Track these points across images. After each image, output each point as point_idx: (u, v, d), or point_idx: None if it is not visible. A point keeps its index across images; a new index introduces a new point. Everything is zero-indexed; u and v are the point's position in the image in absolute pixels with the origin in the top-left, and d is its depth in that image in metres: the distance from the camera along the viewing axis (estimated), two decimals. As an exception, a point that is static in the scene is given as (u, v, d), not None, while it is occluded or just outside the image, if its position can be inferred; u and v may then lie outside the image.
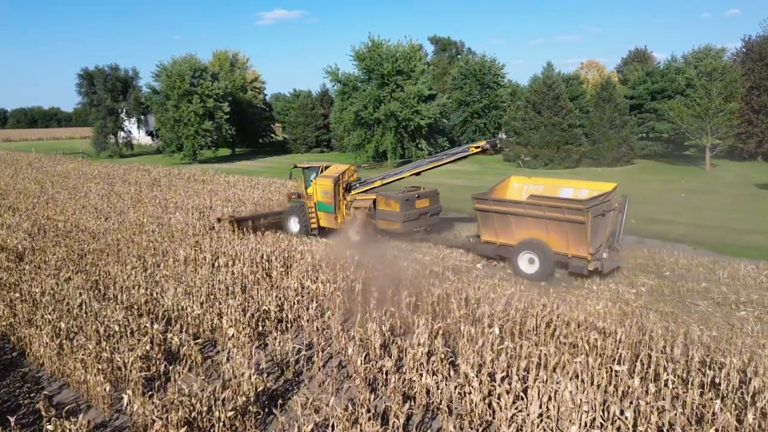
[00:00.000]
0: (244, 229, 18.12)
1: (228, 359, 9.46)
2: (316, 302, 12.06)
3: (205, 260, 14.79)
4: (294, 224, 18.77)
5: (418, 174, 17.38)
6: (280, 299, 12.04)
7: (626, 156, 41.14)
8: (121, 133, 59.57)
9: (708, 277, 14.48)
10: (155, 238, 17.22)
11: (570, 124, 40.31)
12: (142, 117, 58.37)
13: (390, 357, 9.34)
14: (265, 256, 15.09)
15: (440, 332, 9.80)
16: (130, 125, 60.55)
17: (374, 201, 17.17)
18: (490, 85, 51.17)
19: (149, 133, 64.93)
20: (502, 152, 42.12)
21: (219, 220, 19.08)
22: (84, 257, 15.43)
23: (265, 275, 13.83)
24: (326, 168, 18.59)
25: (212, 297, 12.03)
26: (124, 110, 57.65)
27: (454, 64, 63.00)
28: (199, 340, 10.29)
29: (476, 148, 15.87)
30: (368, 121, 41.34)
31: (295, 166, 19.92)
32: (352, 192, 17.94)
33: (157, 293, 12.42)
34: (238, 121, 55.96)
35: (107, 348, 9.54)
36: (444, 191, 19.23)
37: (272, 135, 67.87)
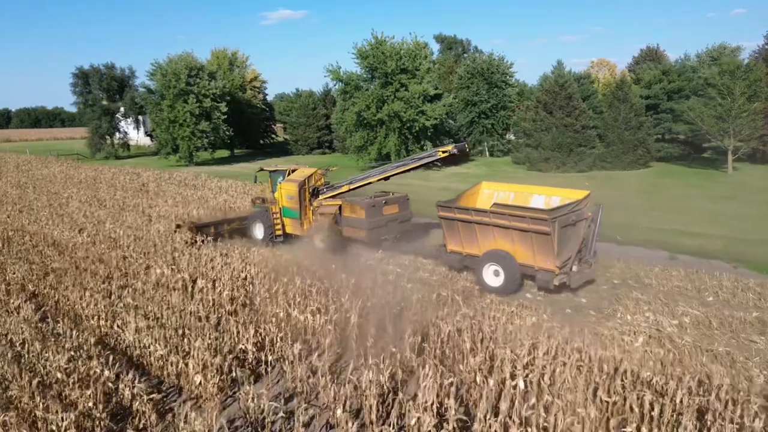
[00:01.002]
0: (205, 238, 16.91)
1: (186, 420, 7.59)
2: (303, 339, 10.21)
3: (181, 283, 12.95)
4: (258, 231, 17.89)
5: (386, 179, 16.47)
6: (260, 334, 10.19)
7: (642, 159, 39.10)
8: (117, 135, 57.85)
9: (759, 304, 12.57)
10: (130, 254, 15.41)
11: (583, 125, 38.31)
12: (139, 117, 56.61)
13: (389, 419, 7.50)
14: (249, 278, 13.26)
15: (452, 388, 7.92)
16: (127, 126, 58.88)
17: (340, 207, 16.50)
18: (498, 85, 49.10)
19: (149, 134, 63.29)
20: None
21: (178, 227, 17.74)
22: (45, 277, 13.63)
23: (247, 301, 12.01)
24: (293, 171, 17.76)
25: (182, 332, 10.20)
26: (121, 110, 55.97)
27: (460, 63, 61.05)
28: (155, 395, 8.41)
29: (443, 152, 14.97)
30: (371, 122, 39.44)
31: (261, 169, 18.98)
32: (320, 197, 17.13)
33: (118, 326, 10.60)
34: (238, 122, 54.21)
35: (40, 404, 7.72)
36: (448, 196, 17.26)
37: (273, 136, 66.09)
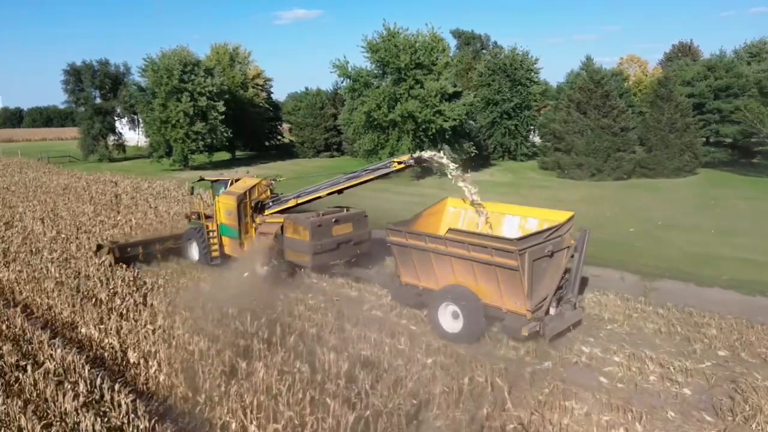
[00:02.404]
0: (131, 263, 14.72)
1: None
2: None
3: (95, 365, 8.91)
4: (194, 251, 15.75)
5: (339, 192, 14.05)
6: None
7: (689, 165, 34.49)
8: (112, 136, 54.20)
9: None
10: (52, 302, 11.42)
11: (623, 127, 33.76)
12: (135, 117, 52.87)
13: None
14: (201, 353, 9.16)
15: None
16: (122, 126, 55.24)
17: (282, 226, 14.08)
18: (522, 82, 44.68)
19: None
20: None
21: (99, 248, 15.38)
22: None
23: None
24: (236, 181, 15.44)
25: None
26: (116, 110, 52.34)
27: (479, 59, 56.66)
28: None
29: (399, 163, 12.70)
30: (382, 122, 35.19)
31: (202, 179, 16.62)
32: (266, 212, 14.71)
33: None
34: (239, 122, 50.30)
35: None
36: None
37: (279, 137, 62.14)
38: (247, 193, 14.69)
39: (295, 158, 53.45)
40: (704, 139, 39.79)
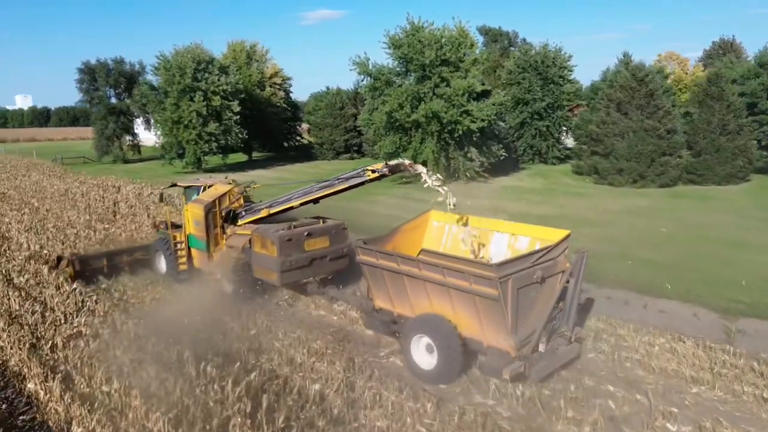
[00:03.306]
0: (94, 277, 13.74)
1: None
2: None
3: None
4: (161, 263, 14.72)
5: (315, 202, 12.80)
6: None
7: (742, 171, 31.31)
8: (126, 136, 52.72)
9: None
10: (2, 343, 9.29)
11: (669, 129, 30.76)
12: (149, 116, 51.28)
13: None
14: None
15: None
16: (137, 126, 53.73)
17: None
18: (555, 81, 41.82)
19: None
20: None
21: (59, 260, 14.34)
22: None
23: None
24: (209, 187, 14.21)
25: None
26: (130, 109, 50.83)
27: (507, 57, 53.86)
28: None
29: (373, 172, 11.45)
30: (404, 123, 32.72)
31: (174, 184, 15.57)
32: (239, 222, 13.51)
33: None
34: (256, 123, 48.37)
35: None
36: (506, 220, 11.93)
37: (298, 138, 60.12)
38: (217, 201, 13.51)
39: (314, 160, 51.33)
40: (755, 142, 36.46)
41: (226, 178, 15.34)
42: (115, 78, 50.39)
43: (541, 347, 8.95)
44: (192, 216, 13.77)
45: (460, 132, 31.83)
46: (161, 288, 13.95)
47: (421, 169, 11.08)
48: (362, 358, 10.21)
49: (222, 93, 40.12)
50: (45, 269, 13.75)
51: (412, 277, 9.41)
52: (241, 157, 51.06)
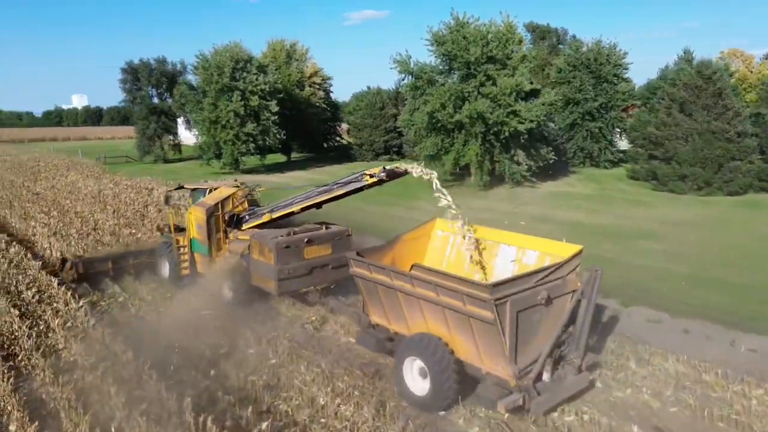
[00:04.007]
0: (99, 280, 13.72)
1: None
2: None
3: None
4: (165, 267, 14.38)
5: (318, 207, 12.17)
6: None
7: (821, 179, 28.26)
8: (168, 136, 52.78)
9: None
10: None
11: (739, 131, 28.02)
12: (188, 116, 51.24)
13: None
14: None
15: None
16: (179, 126, 53.73)
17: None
18: (609, 79, 39.24)
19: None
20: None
21: (63, 262, 14.45)
22: None
23: None
24: (214, 190, 13.79)
25: None
26: (171, 109, 50.81)
27: (555, 55, 51.33)
28: None
29: (371, 176, 10.75)
30: (446, 124, 31.00)
31: (180, 186, 15.31)
32: (244, 227, 12.91)
33: None
34: (295, 123, 47.49)
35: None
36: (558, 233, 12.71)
37: (338, 138, 59.06)
38: (220, 204, 13.04)
39: (353, 161, 50.10)
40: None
41: (235, 180, 14.78)
42: (157, 78, 50.51)
43: (545, 377, 8.04)
44: (195, 219, 13.35)
45: (507, 134, 29.88)
46: (167, 296, 13.49)
47: (417, 171, 10.26)
48: (395, 401, 8.71)
49: (260, 92, 39.30)
50: (54, 282, 12.78)
51: (406, 293, 8.67)
52: (279, 157, 50.34)
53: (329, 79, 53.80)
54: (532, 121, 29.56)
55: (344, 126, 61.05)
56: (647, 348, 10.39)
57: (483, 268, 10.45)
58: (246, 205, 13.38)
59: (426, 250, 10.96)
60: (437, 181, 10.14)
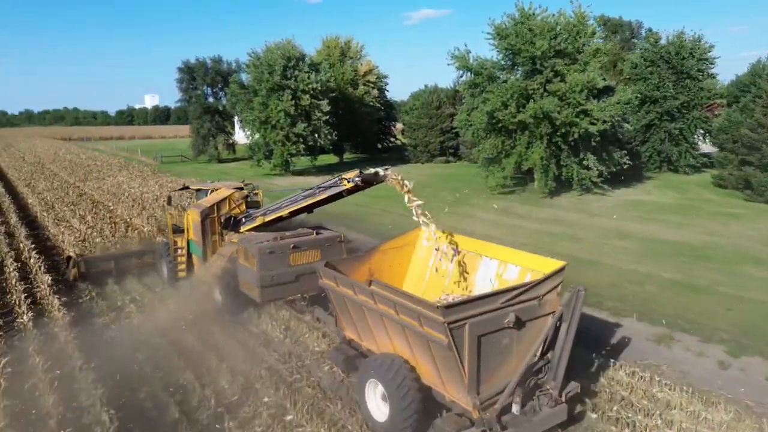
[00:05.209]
0: (102, 279, 14.07)
1: None
2: None
3: None
4: (164, 268, 14.47)
5: (309, 211, 12.06)
6: None
7: None
8: (221, 135, 52.53)
9: None
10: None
11: None
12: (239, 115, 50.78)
13: None
14: None
15: None
16: (235, 125, 53.40)
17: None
18: (692, 75, 35.35)
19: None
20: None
21: (68, 260, 14.63)
22: None
23: None
24: (215, 191, 13.70)
25: None
26: (225, 108, 50.47)
27: (628, 50, 47.46)
28: None
29: (349, 182, 10.14)
30: (507, 125, 28.39)
31: (185, 187, 15.52)
32: (241, 229, 12.64)
33: None
34: (348, 123, 45.97)
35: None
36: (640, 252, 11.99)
37: (392, 139, 57.14)
38: (215, 206, 12.83)
39: (407, 163, 48.04)
40: None
41: (242, 181, 14.49)
42: (212, 77, 50.23)
43: (515, 408, 7.20)
44: (192, 221, 13.20)
45: (576, 135, 26.98)
46: (148, 301, 13.31)
47: (389, 172, 9.73)
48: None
49: (311, 92, 37.87)
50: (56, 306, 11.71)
51: (370, 309, 8.06)
52: (331, 158, 48.99)
53: (385, 77, 52.00)
54: (605, 121, 26.52)
55: (399, 126, 59.17)
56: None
57: (465, 281, 9.79)
58: (244, 207, 13.11)
59: (410, 260, 10.43)
60: (409, 195, 9.57)
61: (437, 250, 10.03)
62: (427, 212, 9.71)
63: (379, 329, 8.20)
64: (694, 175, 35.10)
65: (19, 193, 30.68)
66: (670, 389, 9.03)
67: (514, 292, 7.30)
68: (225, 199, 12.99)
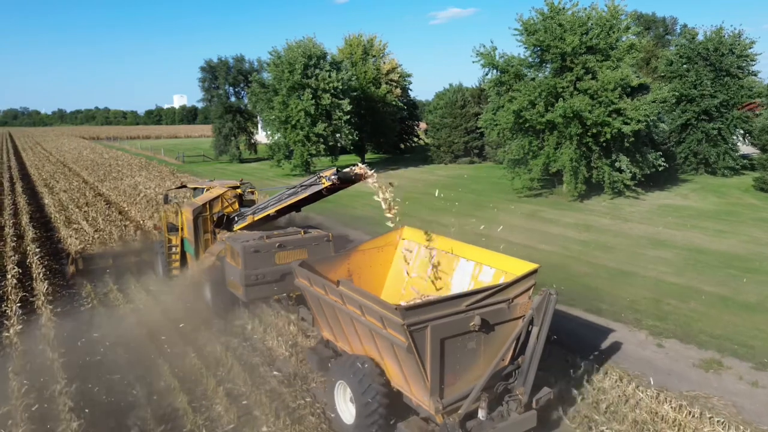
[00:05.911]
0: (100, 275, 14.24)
1: None
2: None
3: None
4: (159, 266, 14.48)
5: (297, 210, 12.46)
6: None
7: None
8: (243, 135, 52.15)
9: None
10: None
11: None
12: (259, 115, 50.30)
13: None
14: None
15: None
16: (258, 125, 53.01)
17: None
18: (732, 72, 33.53)
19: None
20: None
21: (68, 256, 15.28)
22: None
23: None
24: (210, 189, 13.46)
25: None
26: (247, 107, 50.07)
27: (663, 47, 45.60)
28: None
29: (327, 180, 10.42)
30: (535, 125, 27.12)
31: (183, 185, 15.83)
32: (235, 228, 12.46)
33: None
34: (370, 122, 45.06)
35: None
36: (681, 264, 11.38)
37: (415, 139, 56.03)
38: (208, 205, 12.78)
39: (430, 164, 46.93)
40: None
41: (240, 180, 14.42)
42: (234, 76, 49.84)
43: (481, 414, 6.97)
44: (185, 219, 13.11)
45: (608, 136, 25.56)
46: (136, 300, 13.24)
47: (364, 169, 9.96)
48: None
49: (332, 90, 37.05)
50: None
51: (340, 309, 7.98)
52: (353, 159, 48.09)
53: (408, 76, 50.94)
54: (639, 121, 25.06)
55: (423, 126, 58.05)
56: None
57: (443, 282, 9.66)
58: (237, 206, 12.99)
59: (391, 261, 10.35)
60: (381, 193, 9.62)
61: (410, 251, 10.08)
62: (396, 209, 9.72)
63: (350, 330, 8.11)
64: (734, 177, 33.31)
65: (38, 193, 30.58)
66: (723, 428, 7.87)
67: (480, 295, 7.10)
68: (218, 197, 12.96)
